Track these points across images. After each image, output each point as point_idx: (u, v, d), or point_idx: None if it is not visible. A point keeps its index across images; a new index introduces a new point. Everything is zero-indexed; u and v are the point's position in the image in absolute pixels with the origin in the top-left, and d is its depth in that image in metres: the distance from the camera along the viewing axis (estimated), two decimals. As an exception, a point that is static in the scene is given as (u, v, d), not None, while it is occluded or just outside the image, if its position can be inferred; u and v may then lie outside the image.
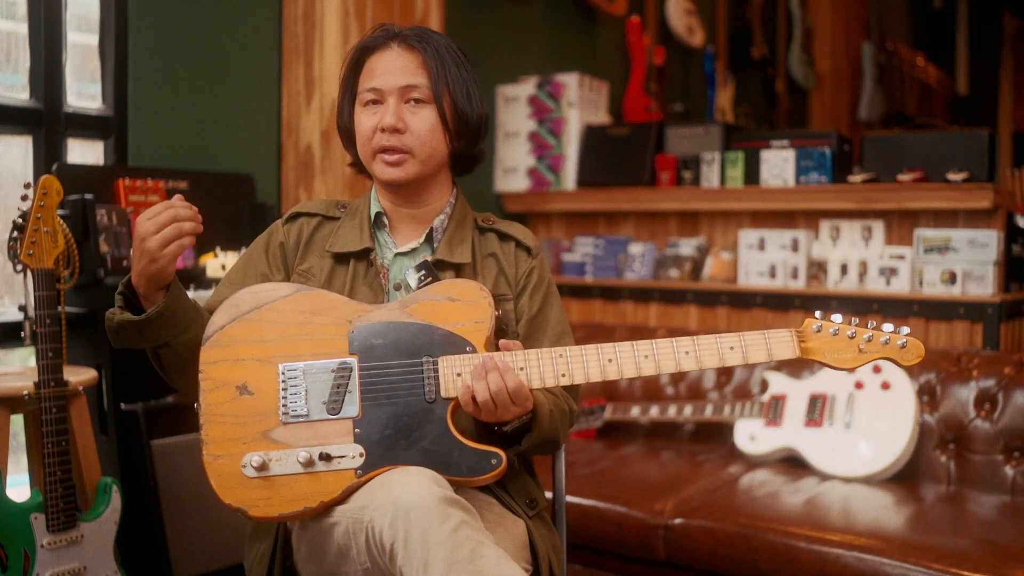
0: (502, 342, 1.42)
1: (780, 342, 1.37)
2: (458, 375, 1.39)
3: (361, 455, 1.35)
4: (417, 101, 1.54)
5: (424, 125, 1.53)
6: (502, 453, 1.36)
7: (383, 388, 1.38)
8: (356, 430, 1.36)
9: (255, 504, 1.33)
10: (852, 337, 1.38)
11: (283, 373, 1.39)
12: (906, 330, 1.38)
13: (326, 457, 1.34)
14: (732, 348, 1.38)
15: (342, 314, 1.43)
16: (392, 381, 1.39)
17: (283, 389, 1.39)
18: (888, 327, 1.38)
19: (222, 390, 1.38)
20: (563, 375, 1.40)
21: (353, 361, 1.39)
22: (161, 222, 1.36)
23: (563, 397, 1.59)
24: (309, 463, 1.33)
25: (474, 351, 1.40)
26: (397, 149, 1.53)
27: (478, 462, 1.35)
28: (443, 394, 1.38)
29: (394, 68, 1.53)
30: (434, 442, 1.36)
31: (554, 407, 1.53)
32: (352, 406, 1.37)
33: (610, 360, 1.40)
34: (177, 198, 1.40)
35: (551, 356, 1.40)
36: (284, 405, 1.38)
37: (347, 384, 1.38)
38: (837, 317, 1.39)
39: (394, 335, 1.41)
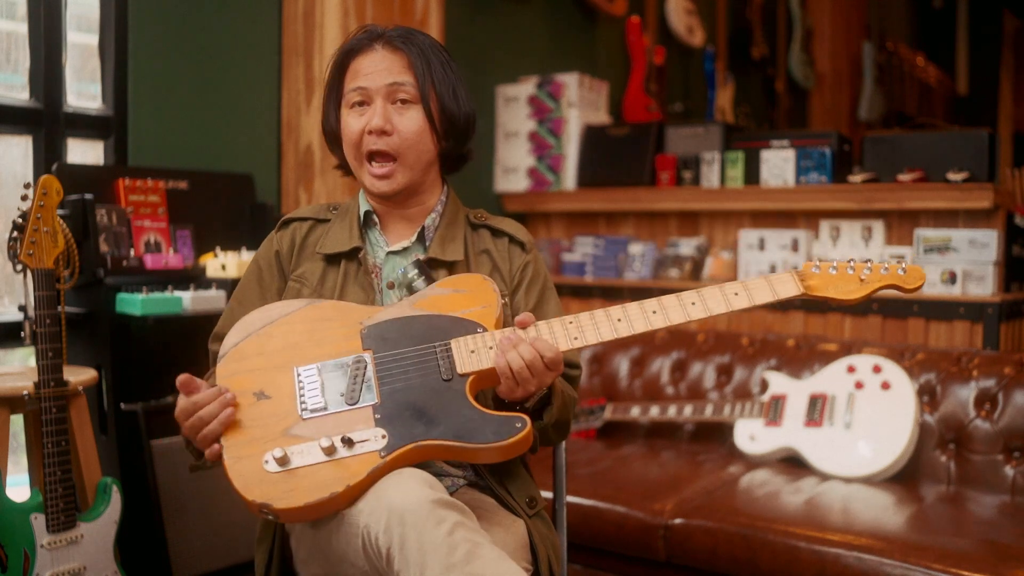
0: (517, 318, 1.42)
1: (783, 282, 1.38)
2: (472, 352, 1.38)
3: (383, 436, 1.32)
4: (404, 101, 1.53)
5: (412, 126, 1.52)
6: (526, 417, 1.35)
7: (399, 374, 1.38)
8: (376, 416, 1.34)
9: (279, 497, 1.28)
10: (852, 272, 1.39)
11: (299, 374, 1.39)
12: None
13: (348, 442, 1.31)
14: (737, 294, 1.38)
15: (353, 317, 1.45)
16: (407, 366, 1.38)
17: (300, 388, 1.38)
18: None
19: (239, 398, 1.37)
20: (575, 338, 1.40)
21: (367, 355, 1.40)
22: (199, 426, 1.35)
23: (565, 384, 1.59)
24: (331, 450, 1.31)
25: (485, 331, 1.41)
26: (385, 155, 1.53)
27: (503, 427, 1.33)
28: (459, 371, 1.38)
29: (380, 68, 1.52)
30: (455, 416, 1.34)
31: (564, 387, 1.54)
32: (370, 394, 1.36)
33: (619, 320, 1.40)
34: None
35: (562, 324, 1.41)
36: (302, 402, 1.37)
37: (363, 375, 1.38)
38: (833, 261, 1.41)
39: (405, 328, 1.42)
